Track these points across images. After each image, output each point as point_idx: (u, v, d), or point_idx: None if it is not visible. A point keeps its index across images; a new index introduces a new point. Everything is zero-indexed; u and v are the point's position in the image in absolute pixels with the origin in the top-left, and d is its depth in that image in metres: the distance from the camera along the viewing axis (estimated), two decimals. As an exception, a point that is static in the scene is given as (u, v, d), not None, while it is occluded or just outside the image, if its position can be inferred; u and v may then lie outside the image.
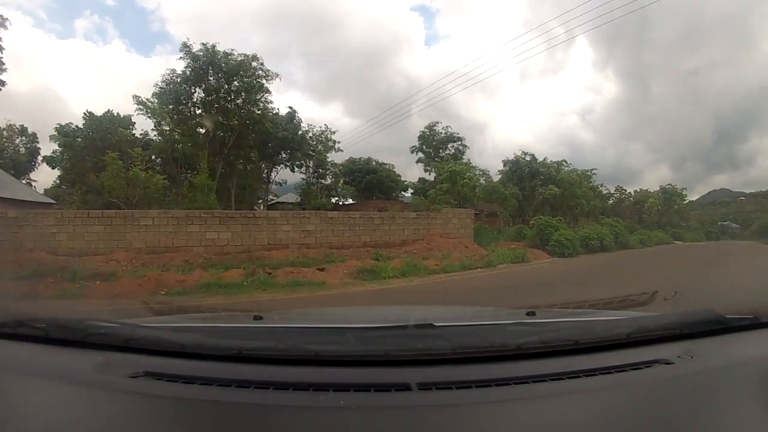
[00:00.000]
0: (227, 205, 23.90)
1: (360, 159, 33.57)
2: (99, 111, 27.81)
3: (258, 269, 10.37)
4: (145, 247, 13.38)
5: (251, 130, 25.46)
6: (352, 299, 8.48)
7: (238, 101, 25.27)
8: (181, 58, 24.16)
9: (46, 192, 30.24)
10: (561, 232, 18.99)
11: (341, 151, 30.29)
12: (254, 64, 24.77)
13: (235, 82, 24.78)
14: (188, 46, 24.03)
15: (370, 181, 32.39)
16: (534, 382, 1.05)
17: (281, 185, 32.33)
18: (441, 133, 30.93)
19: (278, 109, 27.59)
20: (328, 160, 29.69)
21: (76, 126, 27.25)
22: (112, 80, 54.04)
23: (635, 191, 44.12)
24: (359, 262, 11.89)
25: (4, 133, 30.26)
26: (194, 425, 0.98)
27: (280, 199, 32.75)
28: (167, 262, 12.34)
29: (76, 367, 1.14)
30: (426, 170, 31.34)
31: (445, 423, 0.93)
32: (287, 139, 27.14)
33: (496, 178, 30.40)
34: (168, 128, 25.46)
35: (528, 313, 1.71)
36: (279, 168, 30.01)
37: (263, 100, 25.72)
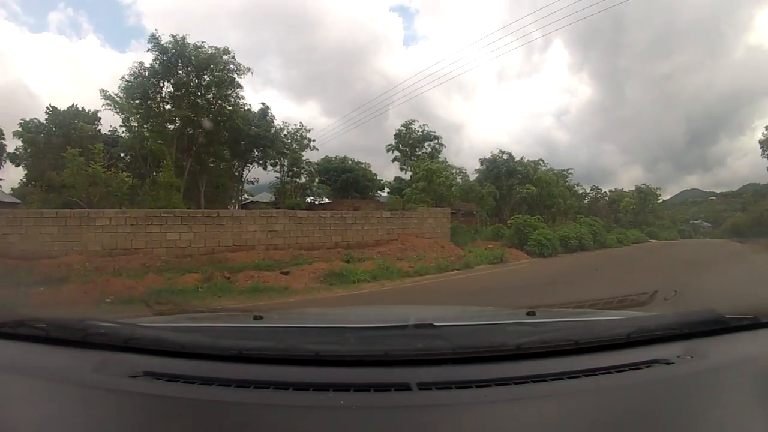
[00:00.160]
0: (197, 205, 23.03)
1: (336, 158, 32.95)
2: (81, 109, 26.68)
3: (216, 273, 9.66)
4: (101, 249, 12.59)
5: (222, 127, 24.52)
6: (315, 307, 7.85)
7: (208, 96, 24.31)
8: (149, 50, 23.03)
9: (14, 191, 28.94)
10: (540, 232, 18.62)
11: (316, 149, 29.73)
12: (225, 57, 23.86)
13: (206, 77, 23.77)
14: (157, 38, 22.89)
15: (346, 180, 31.80)
16: (534, 382, 1.05)
17: (253, 184, 31.58)
18: (418, 131, 30.54)
19: (250, 105, 26.86)
20: (303, 158, 29.06)
21: (39, 121, 26.00)
22: (85, 76, 52.27)
23: (610, 191, 44.93)
24: (328, 265, 11.28)
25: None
26: (194, 425, 0.96)
27: (254, 199, 31.92)
28: (123, 265, 11.57)
29: (76, 367, 1.14)
30: (402, 169, 30.79)
31: (445, 423, 0.93)
32: (259, 136, 26.31)
33: (473, 177, 30.19)
34: (136, 124, 24.34)
35: (528, 313, 1.69)
36: (251, 166, 29.22)
37: (235, 95, 24.88)
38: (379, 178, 34.24)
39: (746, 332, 1.34)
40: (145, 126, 24.07)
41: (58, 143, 24.02)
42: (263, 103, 28.01)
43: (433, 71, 64.76)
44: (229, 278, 9.45)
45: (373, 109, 34.14)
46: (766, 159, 35.05)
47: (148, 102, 23.81)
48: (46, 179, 22.28)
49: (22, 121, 25.76)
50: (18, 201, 24.16)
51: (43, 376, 1.11)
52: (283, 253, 13.21)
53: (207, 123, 23.27)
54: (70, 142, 21.91)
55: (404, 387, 0.99)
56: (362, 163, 33.91)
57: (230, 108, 24.70)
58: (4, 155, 29.46)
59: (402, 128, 30.55)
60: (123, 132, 25.37)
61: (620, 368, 1.10)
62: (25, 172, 27.94)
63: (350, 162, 33.30)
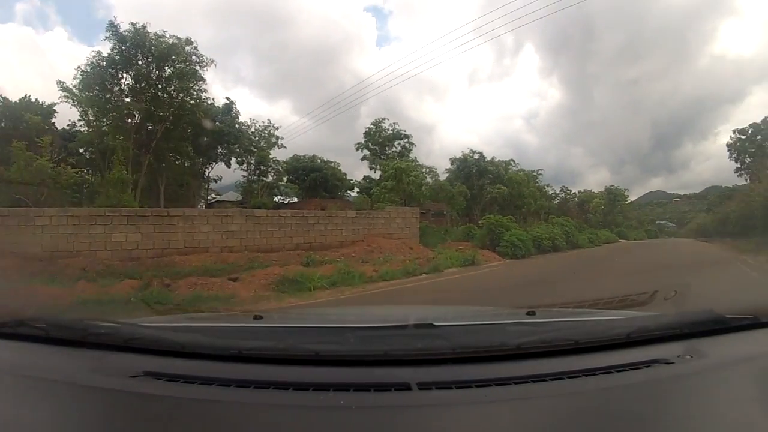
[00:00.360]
0: (157, 204, 21.89)
1: (304, 156, 31.95)
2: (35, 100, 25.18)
3: (155, 280, 8.85)
4: (41, 251, 11.60)
5: (184, 121, 23.36)
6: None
7: (169, 89, 23.04)
8: (106, 38, 21.57)
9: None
10: (513, 232, 18.28)
11: (285, 147, 28.80)
12: (188, 48, 22.57)
13: (167, 68, 22.54)
14: (115, 26, 21.47)
15: (315, 179, 30.83)
16: (534, 382, 1.04)
17: (216, 182, 30.43)
18: (387, 129, 29.73)
19: (214, 99, 25.70)
20: (271, 157, 28.07)
21: (-12, 114, 24.30)
22: (50, 68, 49.66)
23: (579, 192, 45.60)
24: (284, 269, 10.62)
25: None
26: (194, 425, 0.94)
27: (221, 198, 30.80)
28: (61, 269, 10.66)
29: (76, 367, 1.13)
30: (371, 168, 29.96)
31: (445, 423, 0.91)
32: (223, 131, 25.22)
33: (444, 176, 29.87)
34: (94, 118, 22.99)
35: (528, 313, 1.68)
36: (214, 164, 28.10)
37: (197, 88, 23.60)
38: (349, 177, 33.53)
39: (746, 332, 1.35)
40: (103, 120, 22.72)
41: (7, 136, 22.61)
42: (227, 98, 27.07)
43: (405, 72, 64.80)
44: (168, 286, 8.67)
45: (344, 109, 33.22)
46: (733, 162, 36.01)
47: (107, 95, 22.45)
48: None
49: (-34, 113, 24.01)
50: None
51: (43, 376, 1.11)
52: (238, 256, 12.50)
53: (167, 117, 22.21)
54: (19, 135, 20.59)
55: (404, 387, 0.99)
56: (331, 162, 33.14)
57: (192, 102, 23.53)
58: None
59: (372, 126, 29.83)
60: (82, 126, 24.13)
61: (620, 368, 1.10)
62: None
63: (319, 161, 32.40)
